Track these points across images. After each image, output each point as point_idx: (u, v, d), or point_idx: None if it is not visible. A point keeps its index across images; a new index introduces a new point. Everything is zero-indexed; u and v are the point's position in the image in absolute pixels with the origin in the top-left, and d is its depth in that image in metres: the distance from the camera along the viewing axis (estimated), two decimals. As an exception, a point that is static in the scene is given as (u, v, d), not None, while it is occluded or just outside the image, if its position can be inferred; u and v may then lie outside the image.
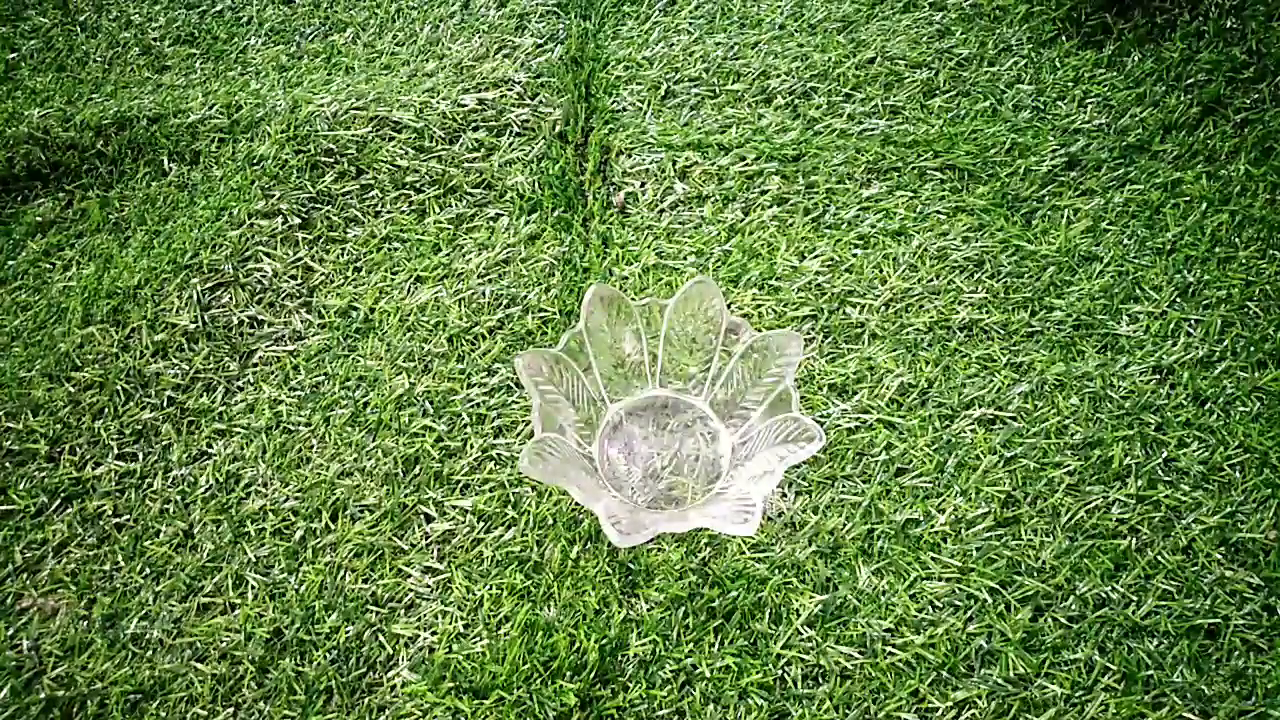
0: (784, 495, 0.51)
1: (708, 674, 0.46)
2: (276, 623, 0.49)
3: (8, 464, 0.54)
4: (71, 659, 0.48)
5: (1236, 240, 0.61)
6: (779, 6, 0.75)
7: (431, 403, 0.56)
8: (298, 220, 0.63)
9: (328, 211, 0.63)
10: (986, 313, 0.58)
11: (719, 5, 0.75)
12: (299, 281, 0.61)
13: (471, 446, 0.54)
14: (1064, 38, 0.71)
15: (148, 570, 0.51)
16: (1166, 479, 0.52)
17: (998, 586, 0.48)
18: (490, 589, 0.49)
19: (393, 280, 0.61)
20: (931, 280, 0.60)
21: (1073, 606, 0.48)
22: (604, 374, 0.53)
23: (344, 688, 0.47)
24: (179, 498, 0.53)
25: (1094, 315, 0.58)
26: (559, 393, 0.50)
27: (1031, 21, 0.72)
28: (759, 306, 0.59)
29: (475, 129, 0.67)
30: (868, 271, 0.60)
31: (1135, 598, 0.48)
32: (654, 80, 0.70)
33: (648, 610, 0.48)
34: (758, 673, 0.46)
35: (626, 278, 0.60)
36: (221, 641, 0.48)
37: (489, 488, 0.53)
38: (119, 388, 0.56)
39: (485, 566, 0.50)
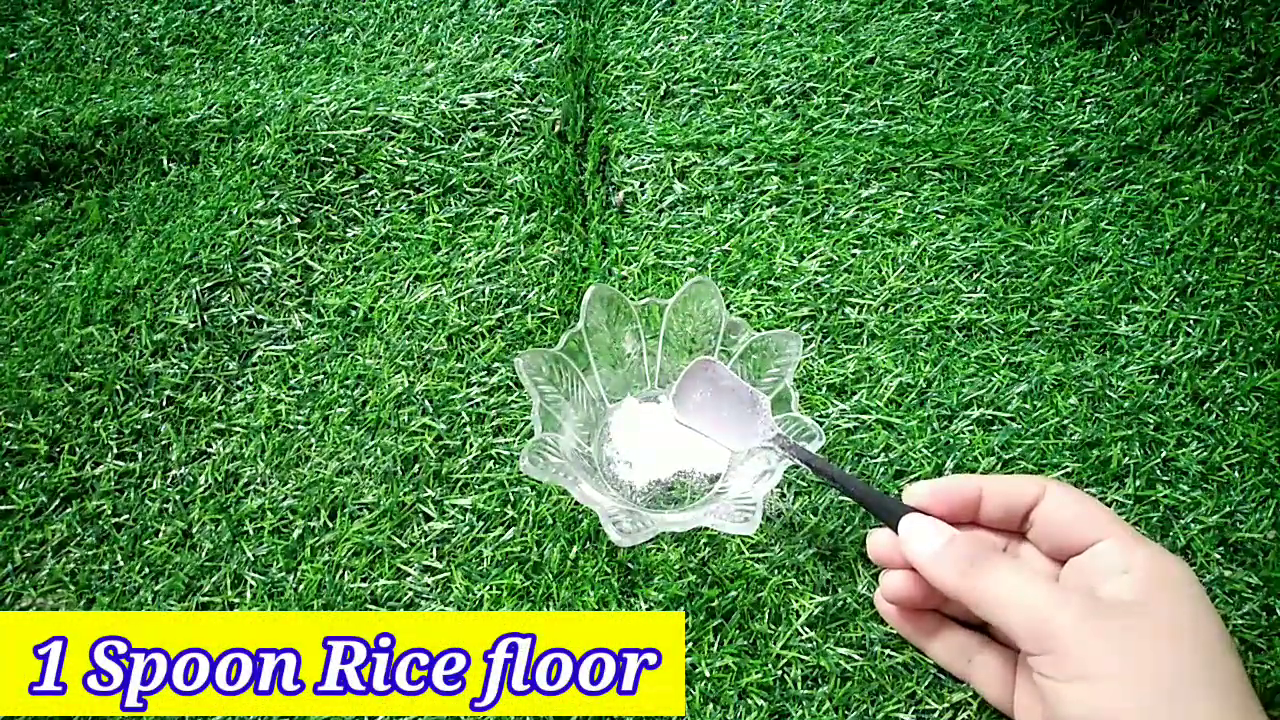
0: (783, 495, 0.51)
1: (707, 674, 0.46)
2: (276, 622, 0.49)
3: (7, 464, 0.54)
4: (70, 658, 0.48)
5: (1235, 240, 0.61)
6: (778, 6, 0.75)
7: (431, 401, 0.56)
8: (297, 220, 0.63)
9: (327, 211, 0.63)
10: (985, 313, 0.58)
11: (718, 5, 0.75)
12: (298, 281, 0.61)
13: (471, 445, 0.54)
14: (1063, 38, 0.71)
15: (147, 570, 0.51)
16: (1165, 479, 0.52)
17: (997, 586, 0.48)
18: (490, 588, 0.49)
19: (392, 279, 0.61)
20: (930, 280, 0.60)
21: (1071, 606, 0.48)
22: (603, 374, 0.53)
23: (343, 687, 0.47)
24: (178, 497, 0.53)
25: (1093, 315, 0.58)
26: (559, 393, 0.50)
27: (1030, 22, 0.72)
28: (758, 306, 0.59)
29: (475, 129, 0.67)
30: (866, 271, 0.60)
31: (1134, 597, 0.48)
32: (653, 80, 0.71)
33: (647, 610, 0.48)
34: (757, 673, 0.46)
35: (626, 278, 0.61)
36: (221, 641, 0.48)
37: (488, 487, 0.53)
38: (118, 387, 0.56)
39: (485, 566, 0.50)
